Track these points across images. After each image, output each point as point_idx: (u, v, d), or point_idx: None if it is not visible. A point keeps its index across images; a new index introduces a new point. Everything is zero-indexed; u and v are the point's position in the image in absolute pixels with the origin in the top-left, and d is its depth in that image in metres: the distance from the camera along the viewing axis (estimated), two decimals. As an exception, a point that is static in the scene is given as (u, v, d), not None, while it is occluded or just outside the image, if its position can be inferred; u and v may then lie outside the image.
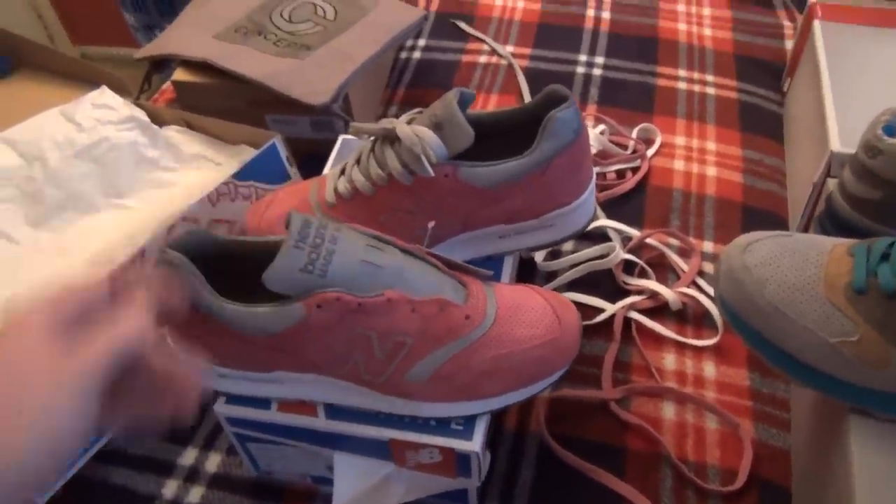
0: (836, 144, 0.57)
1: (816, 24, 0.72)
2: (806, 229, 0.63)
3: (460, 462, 0.44)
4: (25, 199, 0.58)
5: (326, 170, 0.61)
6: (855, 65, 0.66)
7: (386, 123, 0.47)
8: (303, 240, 0.39)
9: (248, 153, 0.64)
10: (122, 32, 1.85)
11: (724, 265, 0.43)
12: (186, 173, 0.63)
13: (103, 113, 0.62)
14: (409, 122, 0.47)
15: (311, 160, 0.64)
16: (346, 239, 0.40)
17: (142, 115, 0.63)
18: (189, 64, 0.76)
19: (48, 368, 0.29)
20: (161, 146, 0.62)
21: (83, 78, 0.73)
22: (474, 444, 0.43)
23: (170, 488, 0.53)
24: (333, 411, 0.45)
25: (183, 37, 0.78)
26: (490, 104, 0.81)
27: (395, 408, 0.44)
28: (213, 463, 0.54)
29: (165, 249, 0.40)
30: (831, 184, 0.54)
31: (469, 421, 0.44)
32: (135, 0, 1.63)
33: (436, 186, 0.46)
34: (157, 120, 0.65)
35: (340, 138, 0.63)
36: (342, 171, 0.50)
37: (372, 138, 0.50)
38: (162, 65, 0.85)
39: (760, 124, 0.77)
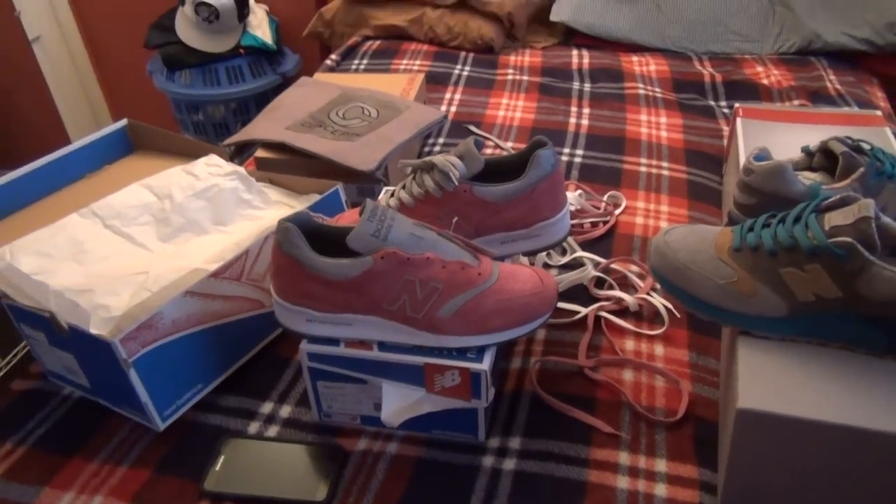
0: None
1: (738, 121, 0.97)
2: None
3: (474, 384, 0.63)
4: (157, 224, 0.80)
5: (374, 209, 0.83)
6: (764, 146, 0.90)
7: (425, 158, 0.70)
8: (373, 216, 0.60)
9: (317, 198, 0.87)
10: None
11: (652, 245, 0.64)
12: (271, 211, 0.85)
13: (214, 169, 0.86)
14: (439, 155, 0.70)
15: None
16: (400, 218, 0.62)
17: (242, 170, 0.86)
18: (267, 146, 1.01)
19: None
20: (254, 192, 0.85)
21: (189, 154, 0.97)
22: (484, 365, 0.62)
23: (253, 427, 0.70)
24: (384, 347, 0.64)
25: (263, 128, 1.04)
26: (495, 181, 1.05)
27: (428, 341, 0.63)
28: (286, 411, 0.71)
29: (283, 220, 0.61)
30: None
31: (480, 351, 0.63)
32: (196, 125, 1.95)
33: (457, 199, 0.68)
34: (248, 178, 0.89)
35: (384, 189, 0.86)
36: (392, 194, 0.73)
37: (409, 171, 0.72)
38: (243, 149, 1.10)
39: (704, 196, 1.00)
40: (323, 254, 0.64)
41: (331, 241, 0.65)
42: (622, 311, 0.80)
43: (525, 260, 0.83)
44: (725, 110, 1.23)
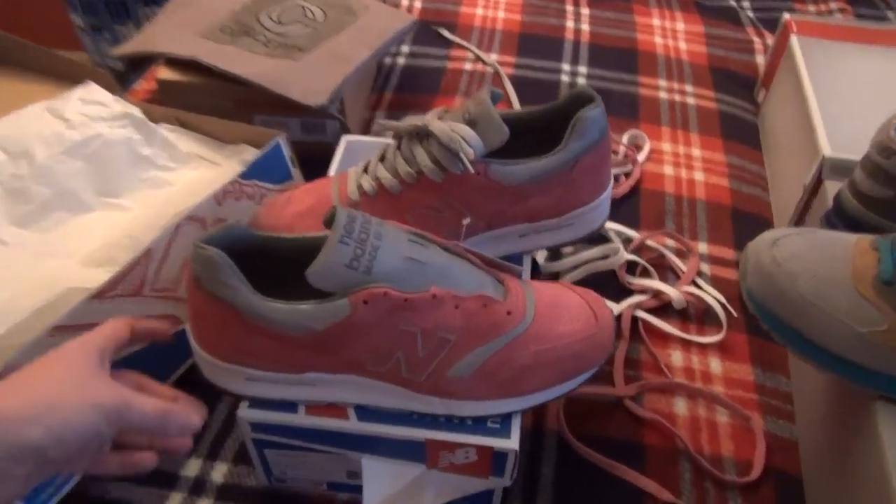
0: (827, 150, 0.60)
1: (794, 38, 0.75)
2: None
3: (496, 461, 0.44)
4: (10, 198, 0.54)
5: (331, 172, 0.59)
6: (832, 76, 0.70)
7: (416, 120, 0.46)
8: (348, 235, 0.38)
9: (248, 153, 0.62)
10: (64, 34, 1.76)
11: (753, 261, 0.44)
12: (183, 173, 0.60)
13: (94, 109, 0.59)
14: (439, 119, 0.47)
15: (301, 164, 0.63)
16: (390, 235, 0.40)
17: (136, 111, 0.60)
18: (173, 62, 0.73)
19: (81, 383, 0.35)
20: (157, 144, 0.60)
21: (60, 75, 0.69)
22: (512, 441, 0.43)
23: (173, 502, 0.50)
24: (364, 413, 0.44)
25: (167, 35, 0.75)
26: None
27: (432, 407, 0.43)
28: (220, 473, 0.51)
29: (202, 245, 0.38)
30: (829, 185, 0.57)
31: (505, 419, 0.44)
32: (84, 2, 1.57)
33: (466, 184, 0.46)
34: (148, 118, 0.63)
35: (344, 140, 0.62)
36: (365, 169, 0.50)
37: (392, 136, 0.49)
38: (140, 64, 0.82)
39: (740, 133, 0.80)
40: (268, 279, 0.41)
41: (279, 258, 0.42)
42: (663, 308, 0.62)
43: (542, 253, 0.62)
44: (750, 13, 1.01)
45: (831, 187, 0.56)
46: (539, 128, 0.50)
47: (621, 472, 0.51)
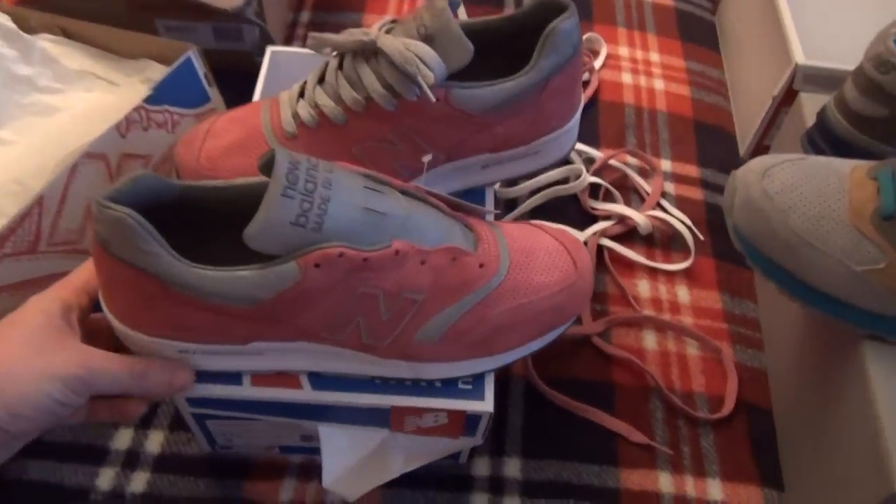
0: (800, 57, 0.56)
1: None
2: (759, 145, 0.63)
3: (468, 423, 0.40)
4: None
5: (257, 93, 0.51)
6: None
7: (359, 35, 0.39)
8: (292, 185, 0.31)
9: (152, 69, 0.53)
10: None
11: (741, 194, 0.40)
12: (74, 96, 0.50)
13: (-50, 17, 0.48)
14: (388, 34, 0.39)
15: (216, 78, 0.54)
16: (342, 182, 0.33)
17: (5, 19, 0.49)
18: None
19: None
20: (37, 62, 0.49)
21: None
22: (487, 403, 0.39)
23: (105, 478, 0.44)
24: (319, 380, 0.38)
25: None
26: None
27: (397, 371, 0.38)
28: (155, 442, 0.46)
29: (107, 203, 0.30)
30: (805, 98, 0.53)
31: (477, 378, 0.39)
32: None
33: (423, 112, 0.39)
34: (23, 27, 0.51)
35: (269, 51, 0.53)
36: (301, 93, 0.42)
37: (334, 54, 0.41)
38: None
39: (698, 34, 0.75)
40: (191, 238, 0.34)
41: (203, 210, 0.35)
42: (628, 234, 0.58)
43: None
44: None
45: (808, 101, 0.53)
46: (501, 41, 0.43)
47: (592, 415, 0.49)
